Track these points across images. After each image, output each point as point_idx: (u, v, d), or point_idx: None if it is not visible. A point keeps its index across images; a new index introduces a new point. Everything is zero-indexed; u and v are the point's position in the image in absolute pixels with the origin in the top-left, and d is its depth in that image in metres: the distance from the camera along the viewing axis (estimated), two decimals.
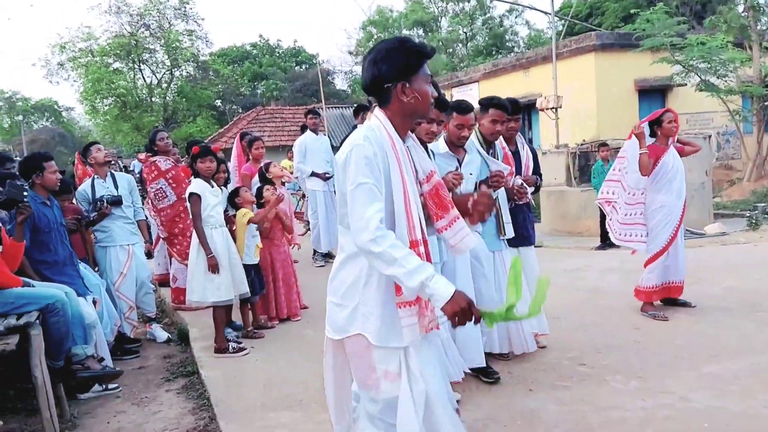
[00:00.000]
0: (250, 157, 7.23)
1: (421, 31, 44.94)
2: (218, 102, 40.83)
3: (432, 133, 3.79)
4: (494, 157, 4.41)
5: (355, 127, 8.66)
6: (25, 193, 4.02)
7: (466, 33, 43.08)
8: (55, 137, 41.24)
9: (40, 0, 69.42)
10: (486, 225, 4.31)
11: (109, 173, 6.11)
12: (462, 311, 2.17)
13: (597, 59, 16.67)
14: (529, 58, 19.04)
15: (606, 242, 9.09)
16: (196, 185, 5.39)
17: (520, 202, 4.65)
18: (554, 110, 16.41)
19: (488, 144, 4.37)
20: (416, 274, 2.14)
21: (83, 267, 5.47)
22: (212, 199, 5.42)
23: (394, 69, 2.28)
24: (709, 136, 11.11)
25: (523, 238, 4.74)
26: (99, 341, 4.73)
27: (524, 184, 4.60)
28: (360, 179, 2.17)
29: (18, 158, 7.37)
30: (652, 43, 13.68)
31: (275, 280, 6.08)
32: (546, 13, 21.86)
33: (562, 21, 24.85)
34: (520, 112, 4.63)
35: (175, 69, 36.52)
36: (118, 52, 34.09)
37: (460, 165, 4.13)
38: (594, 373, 4.46)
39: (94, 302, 4.88)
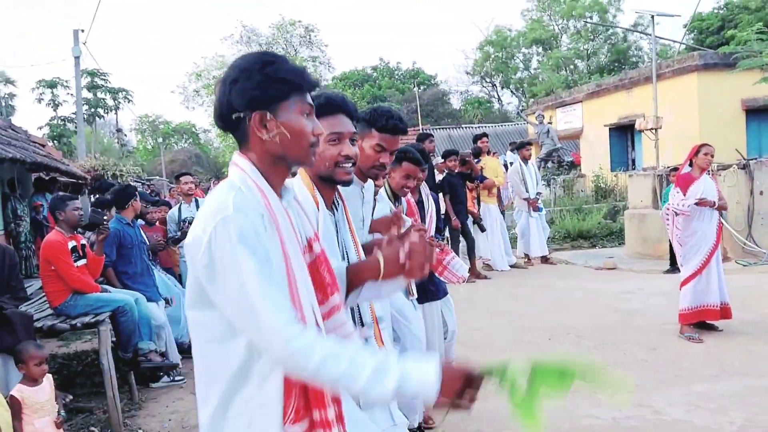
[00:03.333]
0: None
1: (540, 49, 44.87)
2: None
3: (408, 188, 3.70)
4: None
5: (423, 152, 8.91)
6: (105, 218, 5.04)
7: (587, 50, 42.44)
8: (192, 157, 44.94)
9: (180, 33, 75.64)
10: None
11: (194, 199, 7.18)
12: (458, 393, 1.53)
13: (700, 79, 16.27)
14: (632, 78, 18.80)
15: (674, 266, 9.11)
16: None
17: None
18: (654, 131, 16.16)
19: (395, 197, 3.92)
20: (382, 377, 1.48)
21: (167, 278, 6.55)
22: None
23: (246, 94, 1.62)
24: None
25: (431, 292, 4.23)
26: (168, 340, 5.69)
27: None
28: (247, 267, 1.49)
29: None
30: (750, 64, 13.30)
31: None
32: (647, 35, 21.40)
33: (680, 40, 24.14)
34: (427, 163, 4.27)
35: None
36: None
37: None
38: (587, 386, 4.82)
39: (168, 303, 5.91)
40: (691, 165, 6.27)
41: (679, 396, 4.55)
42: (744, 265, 9.32)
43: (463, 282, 4.24)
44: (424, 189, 4.45)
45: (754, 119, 16.61)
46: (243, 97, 1.62)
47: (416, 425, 4.00)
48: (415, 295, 3.94)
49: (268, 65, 1.64)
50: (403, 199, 3.99)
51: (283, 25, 36.87)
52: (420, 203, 4.31)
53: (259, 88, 1.62)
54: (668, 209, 6.33)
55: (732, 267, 9.07)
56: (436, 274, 4.15)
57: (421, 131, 19.78)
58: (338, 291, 1.82)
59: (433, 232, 4.25)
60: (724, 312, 5.99)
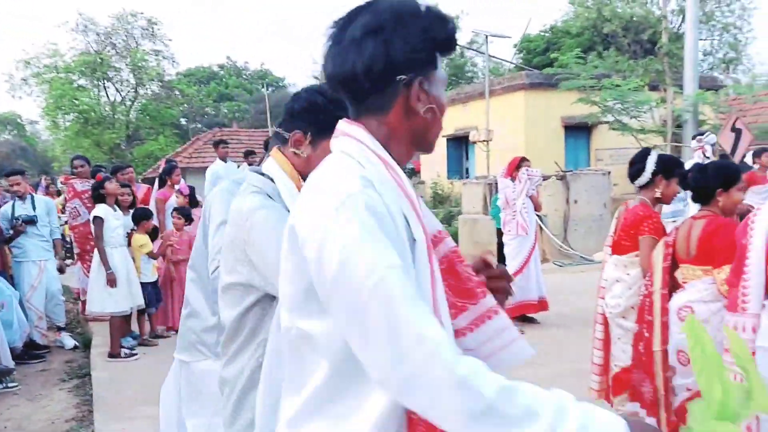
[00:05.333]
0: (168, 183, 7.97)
1: None
2: (183, 120, 41.45)
3: None
4: None
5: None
6: None
7: None
8: (17, 150, 41.40)
9: (6, 17, 69.52)
10: None
11: (29, 196, 6.85)
12: None
13: (527, 96, 17.78)
14: (468, 93, 20.12)
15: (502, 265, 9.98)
16: (100, 210, 6.16)
17: None
18: (486, 143, 17.42)
19: None
20: (563, 418, 1.08)
21: None
22: (114, 222, 6.20)
23: (415, 50, 1.26)
24: (608, 172, 12.16)
25: None
26: (0, 344, 5.45)
27: None
28: (384, 261, 1.10)
29: None
30: (569, 85, 14.83)
31: (173, 295, 6.85)
32: (481, 53, 23.08)
33: (510, 59, 26.16)
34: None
35: (140, 87, 37.17)
36: (83, 69, 34.69)
37: None
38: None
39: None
40: (513, 179, 7.05)
41: None
42: (560, 266, 10.44)
43: None
44: None
45: (571, 135, 18.41)
46: (409, 54, 1.25)
47: None
48: None
49: (431, 9, 1.29)
50: None
51: (123, 15, 35.02)
52: None
53: (423, 50, 1.27)
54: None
55: (549, 267, 10.12)
56: None
57: (274, 131, 19.81)
58: (489, 293, 1.44)
59: None
60: (542, 305, 6.80)
